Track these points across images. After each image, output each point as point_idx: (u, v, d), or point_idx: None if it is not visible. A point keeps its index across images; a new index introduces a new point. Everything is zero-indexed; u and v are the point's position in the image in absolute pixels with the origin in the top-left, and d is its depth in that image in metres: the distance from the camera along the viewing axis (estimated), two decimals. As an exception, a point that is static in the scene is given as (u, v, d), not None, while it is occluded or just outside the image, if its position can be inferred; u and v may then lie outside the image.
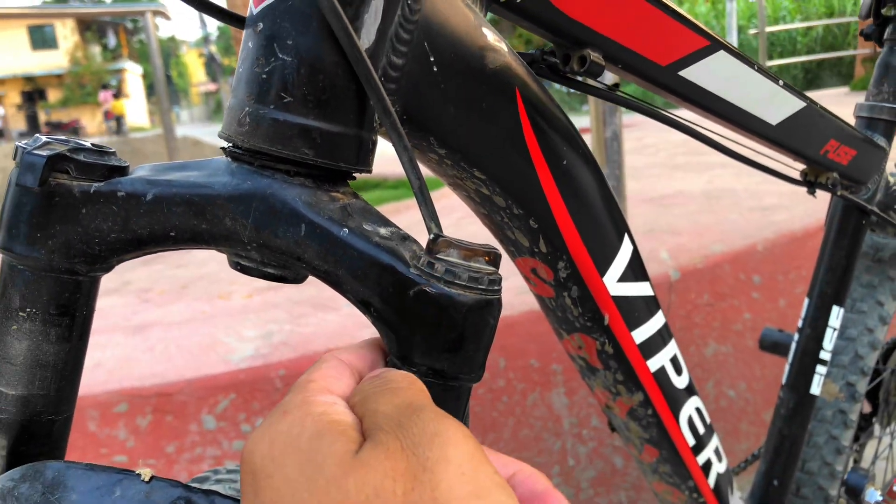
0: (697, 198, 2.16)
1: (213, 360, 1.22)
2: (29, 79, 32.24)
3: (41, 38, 31.81)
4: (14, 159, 0.30)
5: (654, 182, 2.56)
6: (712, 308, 1.56)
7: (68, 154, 0.29)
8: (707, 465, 0.64)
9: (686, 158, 3.09)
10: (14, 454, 0.31)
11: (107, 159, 0.30)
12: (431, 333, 0.29)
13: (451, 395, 0.31)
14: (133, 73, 35.20)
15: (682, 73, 0.48)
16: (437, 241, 0.30)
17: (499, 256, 0.30)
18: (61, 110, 31.01)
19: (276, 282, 0.32)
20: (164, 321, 1.46)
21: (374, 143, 0.33)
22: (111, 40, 34.61)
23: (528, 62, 0.41)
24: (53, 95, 32.41)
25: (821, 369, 0.84)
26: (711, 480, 0.65)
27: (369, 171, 0.33)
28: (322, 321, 1.37)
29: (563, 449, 1.40)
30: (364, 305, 0.31)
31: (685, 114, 0.56)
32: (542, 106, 0.39)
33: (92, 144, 0.31)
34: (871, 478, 0.84)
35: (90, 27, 33.44)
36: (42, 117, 30.98)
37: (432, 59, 0.32)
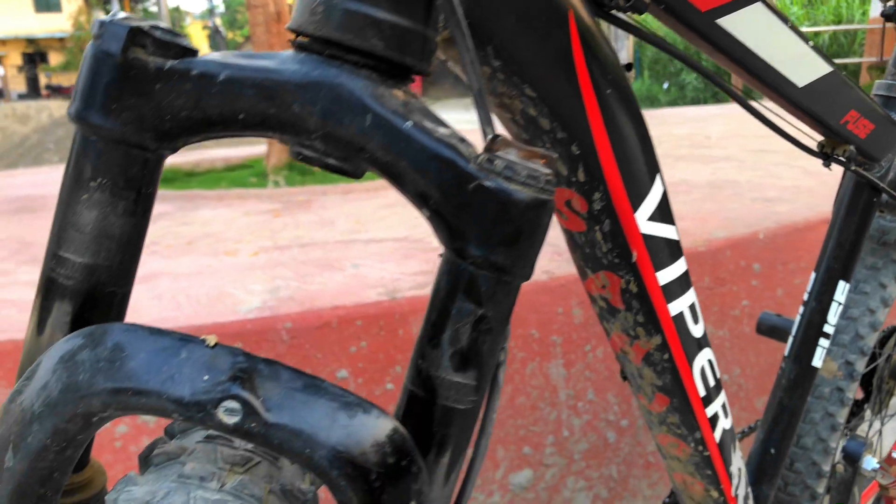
0: (701, 187, 2.17)
1: (221, 309, 1.23)
2: (31, 41, 31.97)
3: (45, 1, 31.53)
4: (93, 33, 0.31)
5: (659, 171, 2.57)
6: (712, 292, 1.58)
7: (146, 29, 0.30)
8: (714, 419, 0.65)
9: (689, 150, 3.11)
10: (76, 321, 0.32)
11: (180, 39, 0.31)
12: (488, 227, 0.30)
13: (503, 289, 0.32)
14: (136, 41, 34.83)
15: (720, 20, 0.50)
16: (497, 139, 0.31)
17: (554, 160, 0.31)
18: (62, 74, 30.76)
19: (336, 173, 0.33)
20: (172, 272, 1.47)
21: (436, 46, 0.34)
22: (115, 6, 34.29)
23: (579, -10, 0.42)
24: (55, 58, 32.16)
25: (824, 342, 0.86)
26: (717, 435, 0.67)
27: (428, 74, 0.34)
28: (328, 280, 1.38)
29: (558, 419, 1.42)
30: (422, 198, 0.32)
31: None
32: (592, 35, 0.40)
33: (164, 25, 0.31)
34: (868, 446, 0.86)
35: (95, -8, 33.12)
36: (42, 80, 30.75)
37: (499, -35, 0.33)
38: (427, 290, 1.29)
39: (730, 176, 2.36)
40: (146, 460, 0.33)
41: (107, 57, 0.29)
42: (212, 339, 0.30)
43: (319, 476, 0.29)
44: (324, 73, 0.31)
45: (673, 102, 9.48)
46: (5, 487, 0.29)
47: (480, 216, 0.30)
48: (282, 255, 1.58)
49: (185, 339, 0.30)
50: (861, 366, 0.95)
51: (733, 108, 5.52)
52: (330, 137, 0.31)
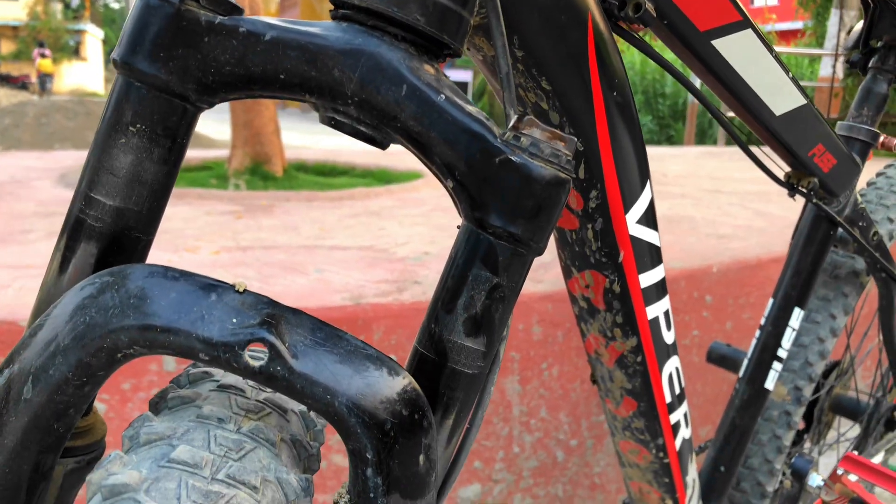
0: (659, 220, 2.23)
1: (182, 302, 1.22)
2: (-17, 27, 31.06)
3: (1, -13, 30.72)
4: (144, -17, 0.31)
5: (616, 203, 2.63)
6: (665, 320, 1.62)
7: None
8: (676, 427, 0.68)
9: (646, 187, 3.19)
10: (100, 263, 0.33)
11: (230, -3, 0.32)
12: (510, 199, 0.32)
13: (519, 260, 0.33)
14: (93, 37, 34.24)
15: (715, 42, 0.53)
16: (524, 118, 0.33)
17: (574, 143, 0.33)
18: (12, 63, 29.91)
19: (365, 142, 0.34)
20: (130, 263, 1.45)
21: (469, 28, 0.35)
22: (74, 0, 33.61)
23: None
24: (6, 47, 31.27)
25: (777, 366, 0.90)
26: (678, 443, 0.69)
27: (460, 55, 0.36)
28: (291, 283, 1.37)
29: (509, 435, 1.44)
30: (448, 169, 0.33)
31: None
32: (606, 42, 0.43)
33: None
34: (815, 463, 0.90)
35: (55, -17, 32.42)
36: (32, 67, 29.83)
37: (534, -41, 0.36)
38: (391, 299, 1.30)
39: (686, 212, 2.44)
40: (157, 405, 0.33)
41: (163, 5, 0.30)
42: (241, 285, 0.30)
43: (336, 424, 0.30)
44: (365, 42, 0.32)
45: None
46: (21, 419, 0.29)
47: (504, 189, 0.32)
48: (244, 256, 1.57)
49: (214, 283, 0.30)
50: (808, 392, 0.99)
51: (687, 152, 5.69)
52: (365, 104, 0.33)
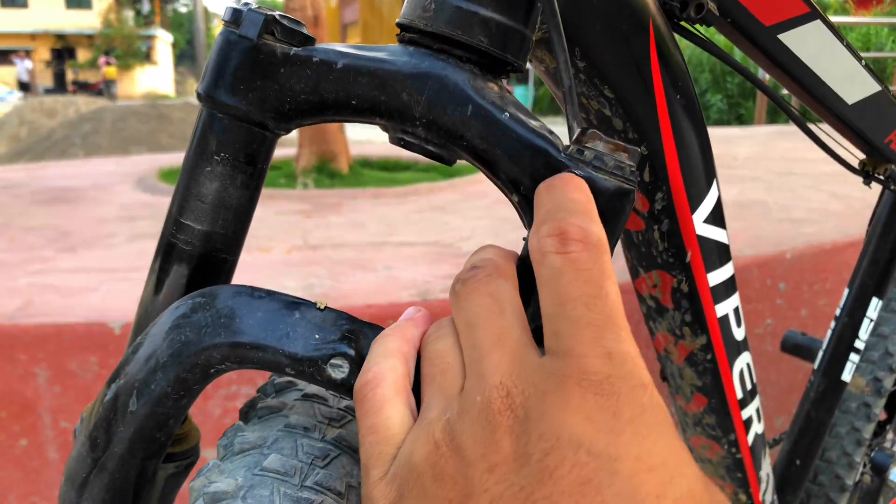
0: (728, 205, 2.18)
1: (257, 302, 1.27)
2: (60, 36, 32.47)
3: (76, -3, 32.03)
4: (223, 20, 0.34)
5: (684, 189, 2.59)
6: (737, 309, 1.59)
7: (278, 17, 0.33)
8: (749, 422, 0.67)
9: (717, 171, 3.12)
10: (191, 283, 0.35)
11: (303, 28, 0.34)
12: None
13: None
14: (163, 41, 35.38)
15: (781, 36, 0.52)
16: (587, 132, 0.33)
17: (637, 153, 0.34)
18: (89, 70, 31.20)
19: (433, 159, 0.36)
20: (207, 265, 1.50)
21: (532, 45, 0.36)
22: (145, 6, 34.78)
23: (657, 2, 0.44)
24: (83, 55, 32.62)
25: (854, 357, 0.88)
26: (750, 438, 0.69)
27: (523, 71, 0.37)
28: (361, 280, 1.41)
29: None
30: (514, 185, 0.34)
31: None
32: (667, 44, 0.43)
33: (288, 15, 0.34)
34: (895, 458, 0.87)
35: (126, -9, 33.61)
36: (69, 76, 31.21)
37: (593, -26, 0.36)
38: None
39: (757, 196, 2.38)
40: (247, 414, 0.35)
41: (241, 41, 0.32)
42: (322, 303, 0.32)
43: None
44: (432, 65, 0.34)
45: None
46: (128, 429, 0.32)
47: None
48: (315, 254, 1.62)
49: (297, 302, 0.32)
50: (889, 383, 0.96)
51: (758, 132, 5.52)
52: (433, 125, 0.34)
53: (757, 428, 0.69)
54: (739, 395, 0.64)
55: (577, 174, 0.33)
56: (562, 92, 0.35)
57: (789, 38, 0.53)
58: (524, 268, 0.35)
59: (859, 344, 0.88)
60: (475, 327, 0.28)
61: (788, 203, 2.23)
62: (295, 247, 1.71)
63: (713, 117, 9.46)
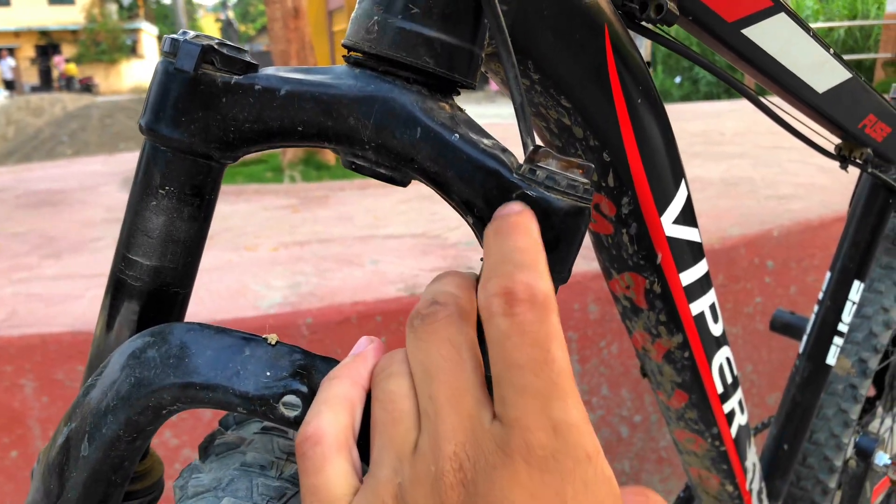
0: (716, 184, 2.19)
1: (242, 304, 1.26)
2: (44, 33, 32.17)
3: (58, -7, 31.72)
4: (163, 50, 0.33)
5: (672, 167, 2.58)
6: (725, 289, 1.60)
7: (216, 46, 0.32)
8: (731, 415, 0.67)
9: (703, 147, 3.12)
10: (143, 319, 0.35)
11: (244, 55, 0.33)
12: None
13: None
14: (148, 34, 35.06)
15: (745, 31, 0.51)
16: (539, 150, 0.33)
17: (591, 170, 0.33)
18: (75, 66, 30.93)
19: (385, 182, 0.35)
20: (193, 267, 1.50)
21: (482, 61, 0.36)
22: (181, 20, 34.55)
23: (612, 5, 0.44)
24: (67, 51, 32.33)
25: (838, 341, 0.88)
26: (734, 430, 0.68)
27: (474, 87, 0.36)
28: (348, 276, 1.40)
29: (572, 415, 1.45)
30: (467, 206, 0.34)
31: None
32: (625, 46, 0.42)
33: (229, 42, 0.34)
34: (880, 442, 0.88)
35: (107, -16, 33.28)
36: (55, 72, 30.95)
37: (541, -15, 0.35)
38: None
39: (744, 173, 2.37)
40: (206, 450, 0.35)
41: (179, 73, 0.32)
42: (273, 338, 0.32)
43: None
44: (378, 88, 0.33)
45: (686, 97, 9.46)
46: (81, 474, 0.32)
47: None
48: (301, 251, 1.61)
49: (247, 338, 0.32)
50: (874, 363, 0.97)
51: (746, 104, 5.50)
52: (382, 148, 0.33)
53: (740, 420, 0.69)
54: (720, 389, 0.64)
55: (530, 195, 0.32)
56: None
57: (754, 33, 0.52)
58: None
59: (842, 327, 0.87)
60: (433, 378, 0.27)
61: (776, 179, 2.22)
62: (282, 243, 1.70)
63: (703, 90, 9.43)
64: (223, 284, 1.37)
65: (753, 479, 0.76)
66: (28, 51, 32.46)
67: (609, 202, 0.48)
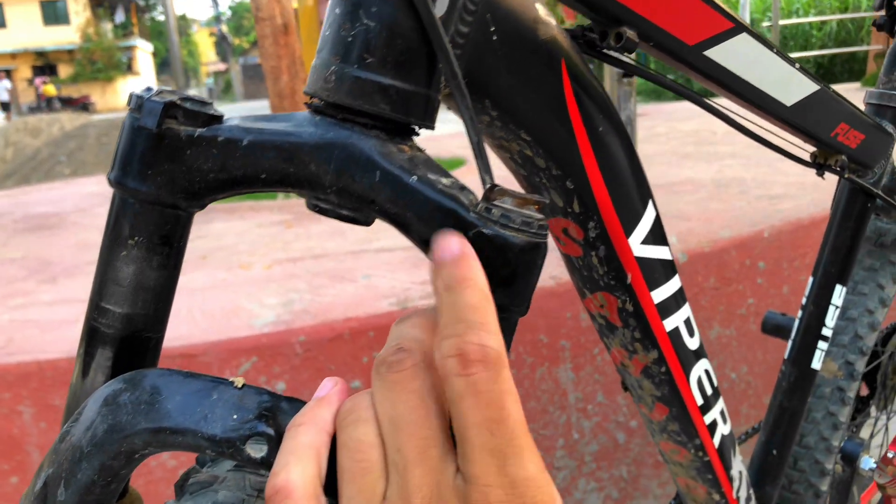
0: (706, 185, 2.20)
1: (236, 324, 1.27)
2: (40, 53, 32.29)
3: (53, 13, 31.84)
4: (129, 106, 0.34)
5: (665, 169, 2.60)
6: (718, 292, 1.61)
7: (178, 102, 0.33)
8: (713, 426, 0.68)
9: (695, 148, 3.13)
10: (117, 365, 0.36)
11: (207, 108, 0.34)
12: (487, 270, 0.33)
13: (503, 325, 0.35)
14: (143, 51, 35.16)
15: (707, 52, 0.52)
16: (494, 189, 0.34)
17: (546, 205, 0.34)
18: (72, 86, 31.07)
19: (349, 223, 0.36)
20: (187, 287, 1.51)
21: (439, 103, 0.37)
22: (119, 16, 34.63)
23: (570, 37, 0.45)
24: (64, 71, 32.46)
25: (822, 345, 0.89)
26: (717, 441, 0.69)
27: (432, 128, 0.37)
28: (340, 292, 1.41)
29: (567, 423, 1.45)
30: (427, 245, 0.35)
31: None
32: (583, 77, 0.43)
33: (193, 96, 0.35)
34: (865, 446, 0.88)
35: (102, 3, 33.40)
36: (52, 92, 31.05)
37: (493, 28, 0.37)
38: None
39: (736, 173, 2.39)
40: (182, 488, 0.36)
41: (143, 130, 0.33)
42: (239, 381, 0.33)
43: None
44: (337, 135, 0.34)
45: (704, 92, 9.46)
46: (59, 519, 0.33)
47: (480, 261, 0.33)
48: (295, 268, 1.62)
49: (215, 381, 0.33)
50: (861, 365, 0.97)
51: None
52: (343, 192, 0.34)
53: (723, 429, 0.70)
54: (700, 401, 0.65)
55: (485, 233, 0.33)
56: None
57: (716, 54, 0.53)
58: None
59: (826, 332, 0.88)
60: (400, 430, 0.28)
61: (766, 179, 2.23)
62: (276, 260, 1.71)
63: (696, 87, 9.43)
64: (217, 304, 1.38)
65: (740, 487, 0.77)
66: (25, 72, 32.58)
67: (576, 226, 0.49)
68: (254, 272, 1.61)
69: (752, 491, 0.82)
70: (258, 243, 1.92)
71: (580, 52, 0.45)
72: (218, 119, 0.35)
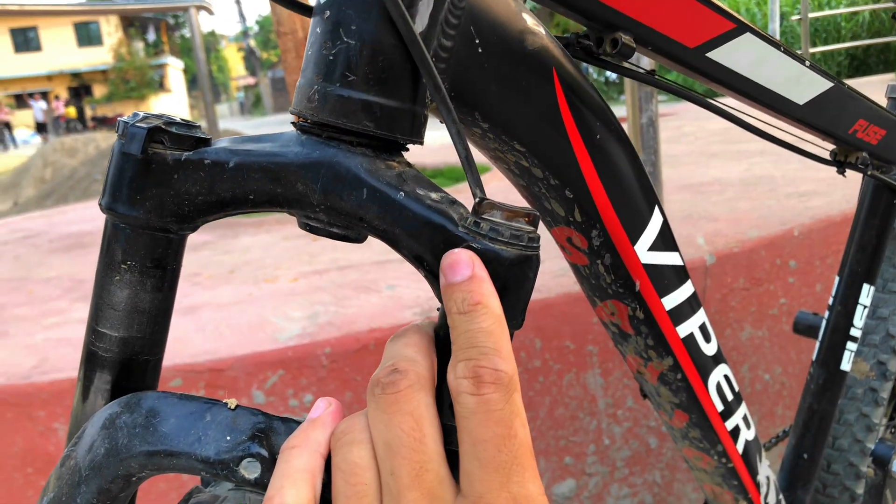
0: (734, 185, 2.16)
1: (262, 338, 1.28)
2: (75, 75, 33.09)
3: (87, 35, 32.62)
4: (117, 133, 0.34)
5: (692, 169, 2.56)
6: (748, 293, 1.58)
7: (163, 126, 0.34)
8: (736, 431, 0.67)
9: (722, 147, 3.08)
10: (116, 388, 0.36)
11: (194, 132, 0.35)
12: None
13: None
14: (174, 68, 35.83)
15: (710, 54, 0.51)
16: (483, 203, 0.34)
17: (537, 218, 0.34)
18: (106, 105, 31.80)
19: (340, 240, 0.36)
20: (214, 303, 1.53)
21: (426, 118, 0.37)
22: (150, 35, 35.34)
23: (564, 45, 0.44)
24: (99, 91, 33.23)
25: (851, 346, 0.87)
26: (740, 446, 0.68)
27: (421, 143, 0.37)
28: (365, 303, 1.42)
29: (598, 428, 1.44)
30: (417, 260, 0.35)
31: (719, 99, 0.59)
32: (577, 85, 0.43)
33: (181, 119, 0.35)
34: (899, 449, 0.86)
35: (133, 23, 34.11)
36: (88, 112, 31.80)
37: (477, 41, 0.36)
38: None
39: (765, 171, 2.34)
40: (183, 509, 0.36)
41: (129, 155, 0.33)
42: (233, 403, 0.33)
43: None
44: (323, 154, 0.34)
45: (709, 93, 9.33)
46: (61, 542, 0.33)
47: None
48: (320, 280, 1.63)
49: (209, 403, 0.33)
50: (893, 365, 0.95)
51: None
52: (332, 210, 0.34)
53: (747, 435, 0.69)
54: (720, 407, 0.64)
55: (475, 248, 0.33)
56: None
57: (720, 55, 0.52)
58: (440, 341, 0.35)
59: (855, 332, 0.86)
60: (395, 453, 0.29)
61: (797, 176, 2.19)
62: (301, 273, 1.72)
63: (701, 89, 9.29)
64: (244, 319, 1.40)
65: (769, 493, 0.75)
66: (61, 93, 33.41)
67: (580, 235, 0.48)
68: (279, 285, 1.63)
69: (781, 496, 0.80)
70: (284, 256, 1.94)
71: (574, 60, 0.44)
72: (205, 142, 0.35)
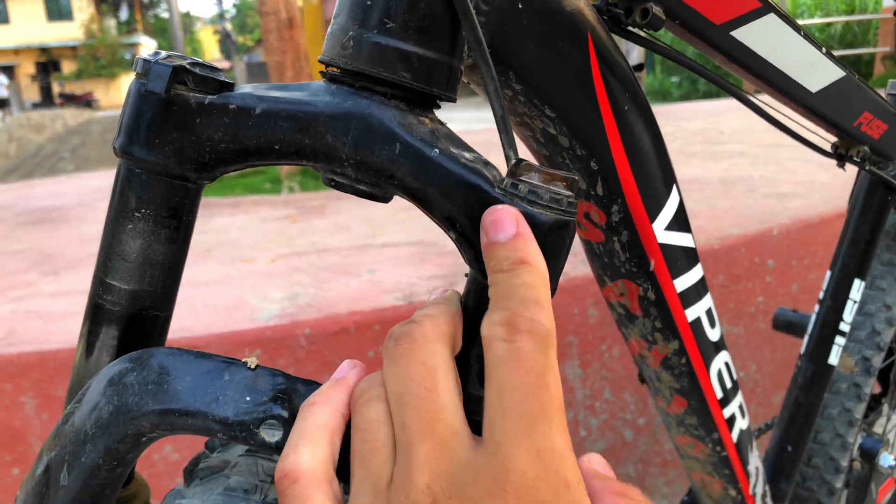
0: (714, 184, 2.18)
1: (240, 318, 1.25)
2: (43, 50, 32.30)
3: (57, 9, 31.85)
4: (135, 71, 0.32)
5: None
6: (726, 290, 1.59)
7: (188, 66, 0.32)
8: (732, 420, 0.66)
9: (702, 147, 3.10)
10: (122, 344, 0.34)
11: (218, 74, 0.33)
12: None
13: None
14: (147, 48, 35.16)
15: (734, 33, 0.51)
16: (521, 164, 0.32)
17: (576, 182, 0.32)
18: (75, 82, 31.07)
19: (366, 199, 0.34)
20: (191, 281, 1.49)
21: (461, 73, 0.35)
22: (123, 13, 34.64)
23: (595, 11, 0.43)
24: (67, 67, 32.47)
25: (839, 340, 0.87)
26: (735, 435, 0.68)
27: (454, 100, 0.35)
28: (345, 286, 1.39)
29: (575, 420, 1.44)
30: (449, 222, 0.33)
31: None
32: (609, 53, 0.42)
33: (203, 61, 0.33)
34: (885, 443, 0.87)
35: (105, 0, 33.43)
36: (55, 88, 31.06)
37: (519, -5, 0.35)
38: (444, 294, 1.30)
39: (744, 172, 2.36)
40: (191, 474, 0.34)
41: (151, 95, 0.31)
42: (253, 362, 0.31)
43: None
44: (355, 105, 0.32)
45: (685, 97, 9.43)
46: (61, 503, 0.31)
47: None
48: (299, 262, 1.60)
49: (228, 362, 0.31)
50: (878, 361, 0.96)
51: (745, 102, 5.49)
52: (361, 165, 0.33)
53: (741, 424, 0.68)
54: (719, 394, 0.63)
55: (511, 209, 0.31)
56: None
57: (743, 34, 0.51)
58: (467, 311, 0.33)
59: (844, 326, 0.87)
60: (405, 404, 0.27)
61: (775, 177, 2.21)
62: (279, 255, 1.69)
63: (702, 90, 9.41)
64: (220, 298, 1.37)
65: (757, 483, 0.75)
66: (28, 68, 32.60)
67: (599, 210, 0.47)
68: (257, 266, 1.60)
69: (767, 487, 0.80)
70: (261, 238, 1.91)
71: (606, 27, 0.43)
72: (229, 86, 0.33)
